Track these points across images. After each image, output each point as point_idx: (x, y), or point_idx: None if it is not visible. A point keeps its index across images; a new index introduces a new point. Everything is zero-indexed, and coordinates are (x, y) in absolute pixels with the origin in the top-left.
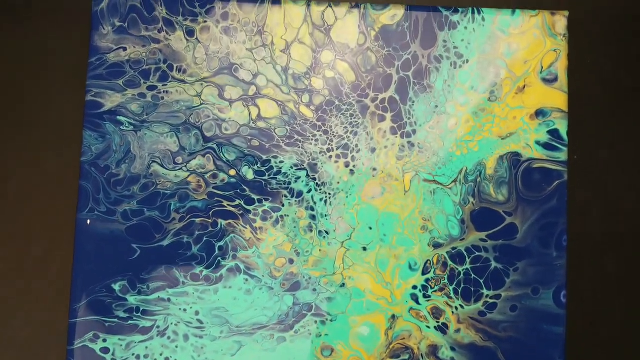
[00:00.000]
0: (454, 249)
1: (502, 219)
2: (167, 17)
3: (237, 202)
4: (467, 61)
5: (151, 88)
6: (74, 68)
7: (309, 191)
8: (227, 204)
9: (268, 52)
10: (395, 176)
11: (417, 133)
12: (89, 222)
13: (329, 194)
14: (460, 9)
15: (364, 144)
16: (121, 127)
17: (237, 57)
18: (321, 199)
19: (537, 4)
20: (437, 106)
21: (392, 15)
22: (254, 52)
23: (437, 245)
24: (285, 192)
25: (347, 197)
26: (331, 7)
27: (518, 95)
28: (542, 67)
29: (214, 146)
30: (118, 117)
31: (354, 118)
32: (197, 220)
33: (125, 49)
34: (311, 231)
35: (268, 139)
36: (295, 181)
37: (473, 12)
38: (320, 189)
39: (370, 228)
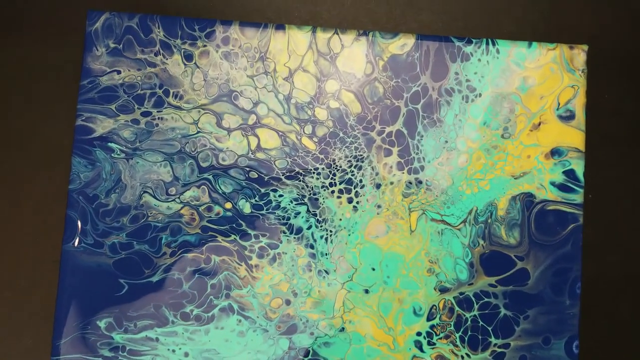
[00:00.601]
0: (461, 294)
1: (513, 263)
2: (165, 40)
3: (232, 237)
4: (480, 95)
5: (145, 114)
6: (65, 90)
7: (309, 228)
8: (222, 239)
9: (270, 79)
10: (401, 214)
11: (425, 169)
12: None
13: (330, 231)
14: (474, 40)
15: (368, 179)
16: (112, 155)
17: (237, 84)
18: (322, 237)
19: (555, 36)
20: (447, 141)
21: (402, 44)
22: (255, 79)
23: (443, 290)
24: (283, 228)
25: (349, 235)
26: (338, 34)
27: (533, 132)
28: (559, 104)
29: (210, 177)
30: (109, 144)
31: (359, 151)
32: (189, 255)
33: (119, 72)
34: (310, 270)
35: (267, 171)
36: (295, 217)
37: (487, 44)
38: (321, 226)
39: (373, 269)
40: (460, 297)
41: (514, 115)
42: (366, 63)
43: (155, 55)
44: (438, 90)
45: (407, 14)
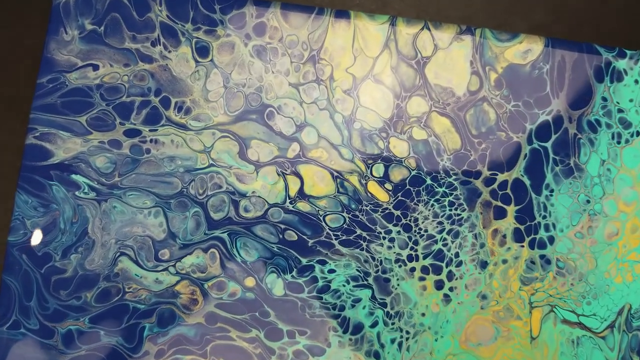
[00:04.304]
0: None
1: None
2: (168, 23)
3: (254, 333)
4: (638, 134)
5: (131, 133)
6: (18, 91)
7: (374, 325)
8: (237, 335)
9: (324, 91)
10: (518, 311)
11: (556, 242)
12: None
13: (407, 332)
14: (629, 52)
15: (469, 253)
16: (76, 193)
17: (273, 96)
18: (393, 340)
19: None
20: (588, 201)
21: (525, 50)
22: (302, 89)
23: None
24: (333, 323)
25: (436, 340)
26: (429, 29)
27: None
28: None
29: (224, 236)
30: (73, 177)
31: (456, 209)
32: (186, 358)
33: (96, 68)
34: None
35: (313, 231)
36: (353, 306)
37: None
38: (393, 323)
39: None
40: None
41: None
42: (470, 74)
43: (153, 45)
44: (577, 122)
45: (514, 9)
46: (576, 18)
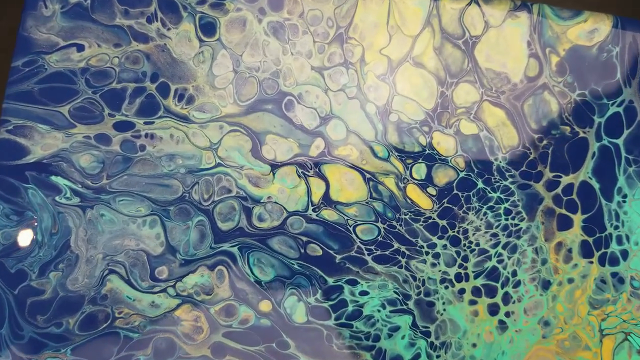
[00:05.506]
0: None
1: None
2: None
3: None
4: None
5: (122, 126)
6: None
7: (415, 358)
8: None
9: (353, 76)
10: (586, 340)
11: (631, 257)
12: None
13: None
14: None
15: (529, 270)
16: (57, 199)
17: (293, 82)
18: None
19: None
20: None
21: (590, 30)
22: (327, 74)
23: None
24: (366, 356)
25: None
26: (478, 4)
27: None
28: None
29: (234, 250)
30: (53, 178)
31: (513, 218)
32: None
33: (81, 48)
34: None
35: (341, 245)
36: (390, 336)
37: None
38: (438, 356)
39: None
40: None
41: None
42: (528, 57)
43: (149, 21)
44: None
45: None
46: None
